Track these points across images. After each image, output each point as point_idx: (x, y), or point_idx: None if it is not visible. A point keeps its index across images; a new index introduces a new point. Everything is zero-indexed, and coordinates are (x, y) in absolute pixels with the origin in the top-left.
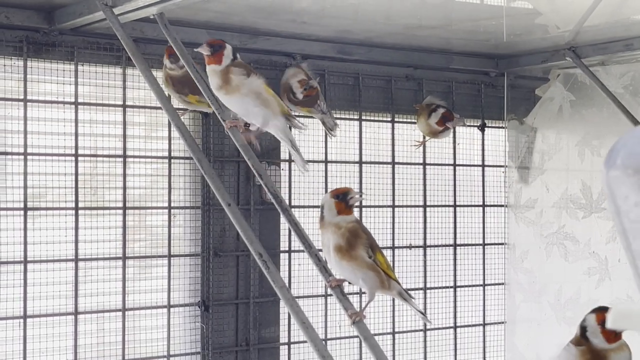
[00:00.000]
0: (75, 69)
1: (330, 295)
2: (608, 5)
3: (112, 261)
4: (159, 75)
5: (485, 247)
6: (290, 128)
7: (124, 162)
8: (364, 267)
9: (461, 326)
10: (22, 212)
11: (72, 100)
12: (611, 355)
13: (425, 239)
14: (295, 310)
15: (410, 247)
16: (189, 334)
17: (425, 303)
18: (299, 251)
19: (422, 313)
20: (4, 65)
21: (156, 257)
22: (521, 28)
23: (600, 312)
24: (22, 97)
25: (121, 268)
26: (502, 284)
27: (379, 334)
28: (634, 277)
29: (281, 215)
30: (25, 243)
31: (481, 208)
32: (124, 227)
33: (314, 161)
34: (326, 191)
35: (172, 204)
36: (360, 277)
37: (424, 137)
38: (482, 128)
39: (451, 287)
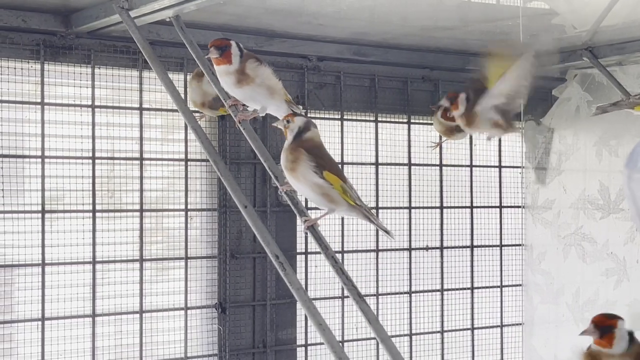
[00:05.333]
0: (92, 72)
1: (347, 297)
2: (625, 5)
3: (129, 263)
4: (175, 77)
5: (503, 248)
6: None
7: (141, 165)
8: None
9: (479, 328)
10: (40, 215)
11: (89, 103)
12: None
13: (442, 240)
14: (312, 312)
15: (427, 248)
16: (206, 335)
17: (442, 305)
18: (315, 253)
19: (386, 231)
20: (22, 69)
21: (173, 259)
22: (538, 28)
23: (598, 317)
24: (39, 100)
25: (138, 270)
26: (520, 285)
27: (396, 336)
28: None
29: (297, 217)
30: (43, 246)
31: (498, 209)
32: (141, 229)
33: None
34: None
35: (189, 206)
36: (306, 193)
37: (441, 138)
38: None
39: (468, 288)
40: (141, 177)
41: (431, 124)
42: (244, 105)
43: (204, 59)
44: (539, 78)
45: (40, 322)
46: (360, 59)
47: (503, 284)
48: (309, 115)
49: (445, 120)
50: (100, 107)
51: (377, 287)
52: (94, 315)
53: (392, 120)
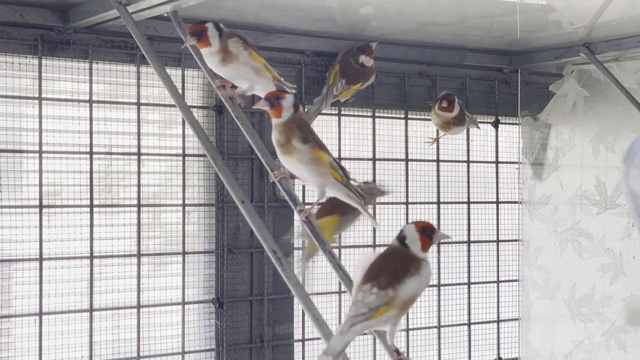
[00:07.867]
0: (90, 67)
1: (344, 292)
2: (622, 1)
3: (127, 258)
4: (172, 72)
5: (499, 243)
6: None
7: (139, 160)
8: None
9: (475, 323)
10: (37, 210)
11: (87, 98)
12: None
13: None
14: (309, 307)
15: None
16: (203, 330)
17: (439, 300)
18: None
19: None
20: (19, 64)
21: (171, 254)
22: (535, 24)
23: (419, 223)
24: (37, 95)
25: (136, 265)
26: (516, 280)
27: None
28: None
29: (295, 213)
30: (41, 240)
31: (495, 205)
32: (139, 224)
33: None
34: None
35: (187, 202)
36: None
37: (438, 134)
38: (495, 124)
39: (465, 283)
40: (139, 172)
41: (429, 119)
42: (232, 85)
43: (201, 54)
44: (536, 74)
45: (37, 317)
46: None
47: (500, 279)
48: (306, 111)
49: (441, 110)
50: (97, 102)
51: None
52: (91, 310)
53: (390, 115)
